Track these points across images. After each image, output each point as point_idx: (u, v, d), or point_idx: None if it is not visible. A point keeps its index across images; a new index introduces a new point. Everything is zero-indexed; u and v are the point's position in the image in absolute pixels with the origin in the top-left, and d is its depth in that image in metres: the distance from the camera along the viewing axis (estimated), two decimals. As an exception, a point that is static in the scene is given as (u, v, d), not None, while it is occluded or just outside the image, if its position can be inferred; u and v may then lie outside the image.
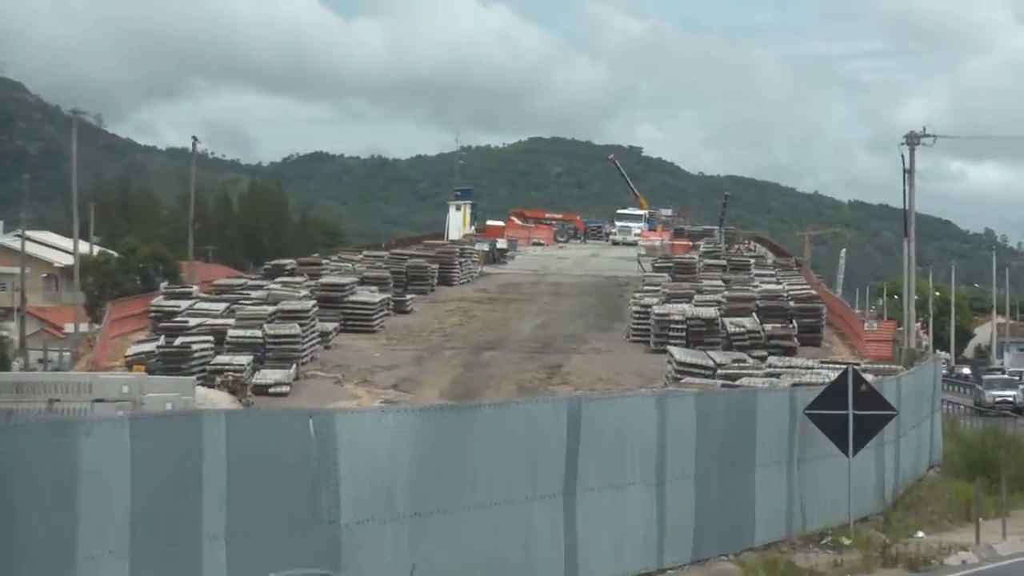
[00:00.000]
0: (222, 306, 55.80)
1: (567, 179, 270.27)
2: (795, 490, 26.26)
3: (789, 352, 52.11)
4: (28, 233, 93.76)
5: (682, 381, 43.81)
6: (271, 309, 53.23)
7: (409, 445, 17.21)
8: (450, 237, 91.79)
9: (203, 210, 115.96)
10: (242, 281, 66.04)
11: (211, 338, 49.75)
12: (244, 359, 47.78)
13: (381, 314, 59.28)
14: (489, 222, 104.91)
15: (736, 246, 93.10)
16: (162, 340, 49.93)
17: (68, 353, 65.22)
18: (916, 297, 72.27)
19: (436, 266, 70.46)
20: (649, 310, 56.46)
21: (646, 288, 64.03)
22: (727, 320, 54.88)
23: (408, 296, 64.16)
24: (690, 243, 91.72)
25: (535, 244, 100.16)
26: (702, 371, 45.61)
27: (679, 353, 49.31)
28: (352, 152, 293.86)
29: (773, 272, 72.66)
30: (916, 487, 34.30)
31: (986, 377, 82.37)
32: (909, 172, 62.57)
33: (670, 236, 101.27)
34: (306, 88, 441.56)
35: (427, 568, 17.36)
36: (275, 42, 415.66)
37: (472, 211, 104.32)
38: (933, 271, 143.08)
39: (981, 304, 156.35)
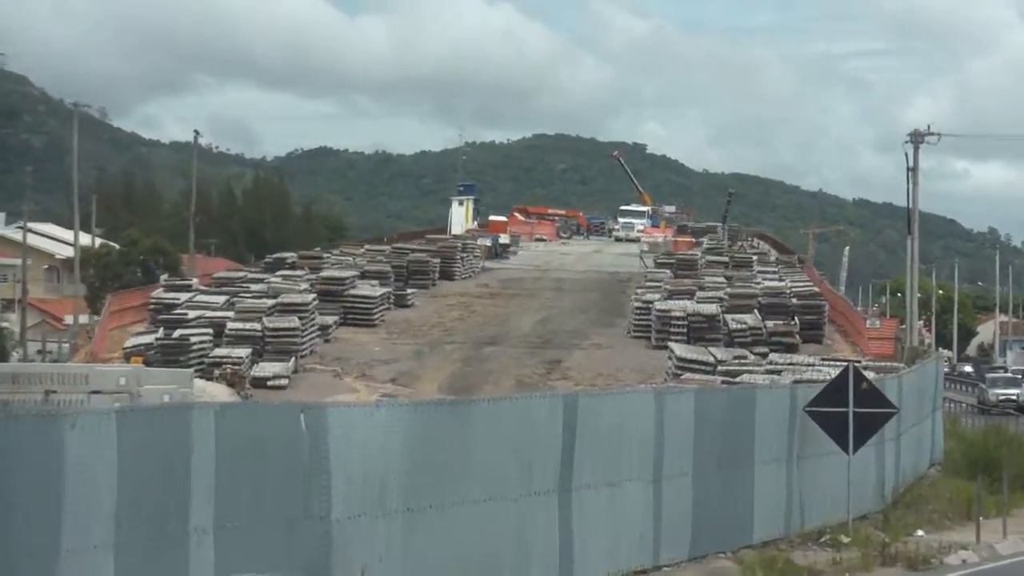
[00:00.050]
0: (222, 299, 55.66)
1: (571, 176, 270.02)
2: (794, 488, 26.08)
3: (791, 349, 51.98)
4: (30, 225, 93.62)
5: (682, 377, 43.72)
6: (271, 302, 53.07)
7: (402, 440, 16.99)
8: (452, 232, 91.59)
9: (206, 204, 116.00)
10: (242, 274, 65.90)
11: (210, 331, 49.63)
12: (243, 352, 47.67)
13: (381, 308, 59.12)
14: (492, 217, 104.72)
15: (739, 243, 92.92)
16: (161, 332, 49.80)
17: (67, 345, 65.11)
18: (919, 295, 72.08)
19: (438, 261, 70.22)
20: (651, 306, 56.26)
21: (648, 284, 63.83)
22: (729, 316, 54.69)
23: (409, 290, 64.00)
24: (693, 240, 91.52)
25: (538, 240, 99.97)
26: (703, 367, 45.49)
27: (680, 349, 49.20)
28: (356, 147, 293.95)
29: (776, 269, 72.48)
30: (916, 485, 34.13)
31: (989, 376, 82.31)
32: (913, 170, 62.41)
33: (673, 233, 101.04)
34: (311, 84, 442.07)
35: (420, 564, 17.17)
36: (280, 38, 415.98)
37: (475, 206, 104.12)
38: (936, 269, 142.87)
39: (984, 302, 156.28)
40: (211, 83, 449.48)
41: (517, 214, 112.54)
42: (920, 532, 27.72)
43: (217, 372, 45.46)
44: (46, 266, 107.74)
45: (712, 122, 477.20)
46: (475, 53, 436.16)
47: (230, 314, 52.13)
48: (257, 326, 50.00)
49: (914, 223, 63.77)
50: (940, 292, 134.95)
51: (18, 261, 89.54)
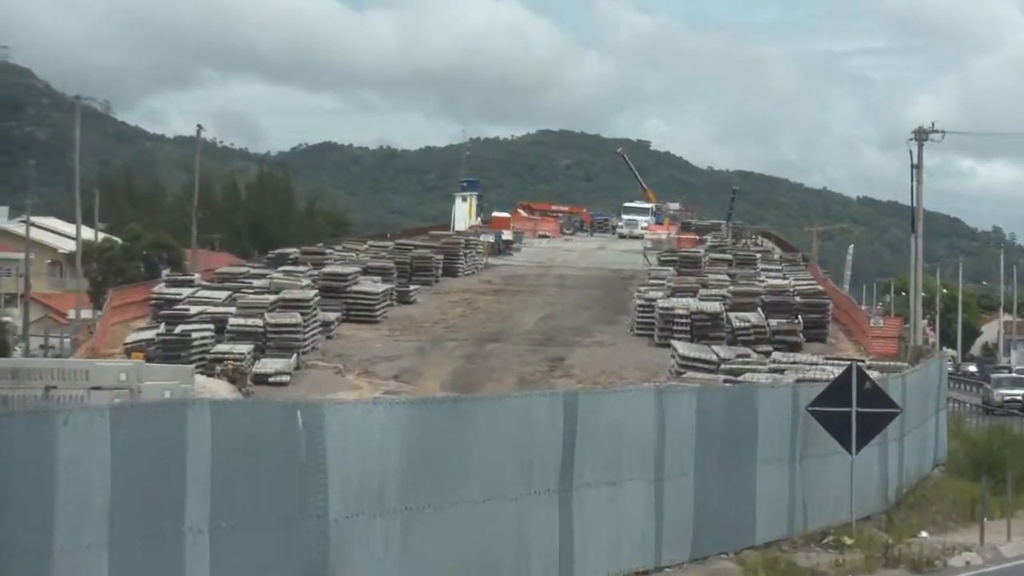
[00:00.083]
0: (224, 294, 55.53)
1: (576, 172, 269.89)
2: (797, 488, 25.90)
3: (794, 348, 51.83)
4: (33, 219, 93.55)
5: (685, 375, 43.57)
6: (272, 298, 52.95)
7: (400, 438, 16.82)
8: (456, 228, 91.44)
9: (210, 198, 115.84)
10: (244, 269, 65.79)
11: (212, 326, 49.49)
12: (245, 348, 47.52)
13: (384, 304, 58.96)
14: (495, 214, 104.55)
15: (743, 241, 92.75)
16: (162, 328, 49.65)
17: (69, 340, 65.01)
18: (923, 294, 71.91)
19: (441, 257, 70.08)
20: (654, 304, 56.11)
21: (651, 282, 63.68)
22: (732, 315, 54.52)
23: (412, 287, 63.84)
24: (697, 237, 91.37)
25: (541, 236, 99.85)
26: (705, 366, 45.35)
27: (682, 347, 49.06)
28: (361, 143, 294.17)
29: (779, 267, 72.33)
30: (920, 486, 33.94)
31: (994, 376, 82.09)
32: (917, 168, 62.28)
33: (677, 230, 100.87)
34: (316, 79, 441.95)
35: (418, 563, 17.00)
36: (286, 33, 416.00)
37: (479, 203, 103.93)
38: (941, 268, 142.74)
39: (988, 302, 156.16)
40: (216, 77, 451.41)
41: (521, 210, 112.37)
42: (924, 533, 27.57)
43: (219, 368, 45.30)
44: (49, 260, 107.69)
45: (716, 119, 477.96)
46: (480, 49, 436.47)
47: (232, 310, 52.00)
48: (259, 322, 49.88)
49: (918, 221, 63.60)
50: (944, 291, 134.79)
51: (21, 255, 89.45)
